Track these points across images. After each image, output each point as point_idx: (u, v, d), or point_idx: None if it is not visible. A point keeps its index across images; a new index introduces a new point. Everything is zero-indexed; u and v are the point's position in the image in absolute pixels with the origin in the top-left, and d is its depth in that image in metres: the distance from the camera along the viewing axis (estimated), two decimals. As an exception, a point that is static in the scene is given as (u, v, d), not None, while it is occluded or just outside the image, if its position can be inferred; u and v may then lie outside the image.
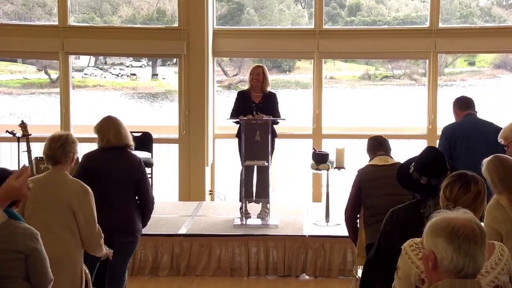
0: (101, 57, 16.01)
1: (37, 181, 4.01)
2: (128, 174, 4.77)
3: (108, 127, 4.79)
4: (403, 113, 14.73)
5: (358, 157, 9.41)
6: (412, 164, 3.56)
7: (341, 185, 8.80)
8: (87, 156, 4.84)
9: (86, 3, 12.38)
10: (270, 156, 6.76)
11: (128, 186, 4.76)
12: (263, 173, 6.86)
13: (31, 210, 3.96)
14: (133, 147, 4.95)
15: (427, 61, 8.40)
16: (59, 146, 4.05)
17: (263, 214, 6.90)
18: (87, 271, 4.22)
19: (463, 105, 5.78)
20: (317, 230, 6.74)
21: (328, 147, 7.78)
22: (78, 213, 3.99)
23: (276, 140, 7.06)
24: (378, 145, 5.11)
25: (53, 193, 4.00)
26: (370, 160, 5.06)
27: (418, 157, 3.59)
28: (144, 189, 4.83)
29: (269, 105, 6.83)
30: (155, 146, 7.99)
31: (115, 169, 4.73)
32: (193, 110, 8.14)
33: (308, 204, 7.97)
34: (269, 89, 6.95)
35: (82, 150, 8.77)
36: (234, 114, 6.85)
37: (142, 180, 4.82)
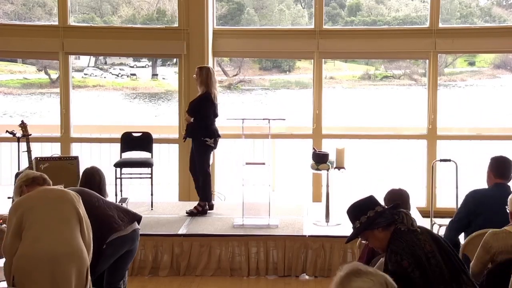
0: (101, 57, 16.00)
1: (32, 193, 4.07)
2: None
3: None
4: (403, 113, 14.72)
5: (358, 157, 9.46)
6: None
7: (341, 185, 8.82)
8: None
9: (86, 3, 12.38)
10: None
11: None
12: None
13: (35, 216, 3.96)
14: None
15: (427, 61, 8.40)
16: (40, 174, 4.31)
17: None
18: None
19: (499, 171, 5.15)
20: (317, 230, 6.74)
21: (328, 147, 7.79)
22: (79, 212, 4.03)
23: (276, 140, 7.11)
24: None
25: (50, 195, 4.06)
26: None
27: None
28: None
29: None
30: (155, 146, 7.99)
31: None
32: (193, 110, 8.12)
33: (308, 204, 7.97)
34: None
35: (82, 150, 8.84)
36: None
37: None
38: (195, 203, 7.51)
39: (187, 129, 7.23)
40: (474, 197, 5.11)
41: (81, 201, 4.12)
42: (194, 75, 7.26)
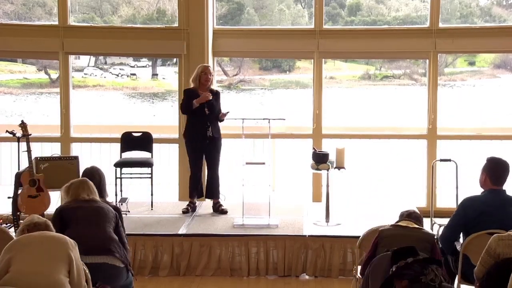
0: (101, 57, 16.00)
1: (26, 236, 4.06)
2: None
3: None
4: (403, 113, 14.71)
5: (358, 157, 9.46)
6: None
7: (341, 185, 8.83)
8: None
9: (86, 3, 12.37)
10: None
11: None
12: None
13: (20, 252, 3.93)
14: None
15: (427, 61, 8.40)
16: (43, 216, 4.33)
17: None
18: (87, 271, 4.22)
19: (496, 178, 4.95)
20: (317, 230, 6.74)
21: (328, 147, 7.79)
22: (71, 256, 3.98)
23: (276, 140, 7.14)
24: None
25: (47, 238, 4.04)
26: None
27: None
28: None
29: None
30: (155, 146, 7.99)
31: None
32: (193, 110, 8.13)
33: (308, 204, 7.97)
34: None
35: (82, 150, 8.84)
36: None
37: None
38: (196, 203, 7.53)
39: (212, 128, 7.22)
40: (471, 206, 4.92)
41: (77, 248, 4.07)
42: (210, 77, 7.29)
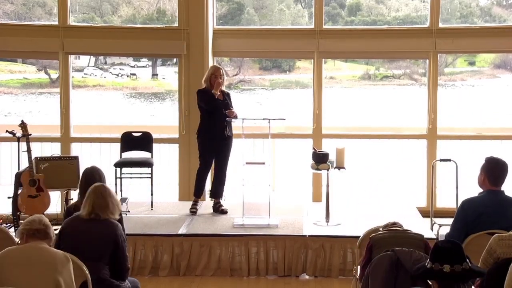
0: (101, 57, 16.00)
1: (16, 249, 3.93)
2: None
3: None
4: (403, 113, 14.72)
5: (358, 157, 9.46)
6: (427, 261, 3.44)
7: (341, 185, 8.83)
8: None
9: (86, 3, 12.37)
10: None
11: None
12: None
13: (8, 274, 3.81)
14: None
15: (427, 61, 8.40)
16: (43, 221, 4.04)
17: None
18: (87, 272, 4.22)
19: (494, 179, 4.91)
20: (317, 230, 6.74)
21: (328, 147, 7.79)
22: (58, 280, 3.84)
23: (276, 140, 7.13)
24: None
25: (35, 258, 3.89)
26: None
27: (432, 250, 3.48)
28: None
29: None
30: (155, 146, 7.99)
31: None
32: (193, 110, 8.13)
33: (308, 204, 7.97)
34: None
35: (82, 150, 8.85)
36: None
37: None
38: (195, 203, 7.53)
39: (229, 127, 7.25)
40: (470, 208, 4.90)
41: (70, 264, 3.92)
42: (221, 79, 7.23)
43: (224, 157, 7.34)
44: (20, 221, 6.61)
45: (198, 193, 7.49)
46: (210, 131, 7.21)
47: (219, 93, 7.21)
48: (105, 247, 4.52)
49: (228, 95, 7.42)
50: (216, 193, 7.46)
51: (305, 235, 6.54)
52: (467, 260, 3.33)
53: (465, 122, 14.12)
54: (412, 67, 15.78)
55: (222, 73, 7.30)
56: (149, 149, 7.87)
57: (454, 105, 14.52)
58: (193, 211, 7.36)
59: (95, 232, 4.52)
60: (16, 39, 8.44)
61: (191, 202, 7.61)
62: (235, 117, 7.14)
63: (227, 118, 7.05)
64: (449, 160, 7.16)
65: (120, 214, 4.89)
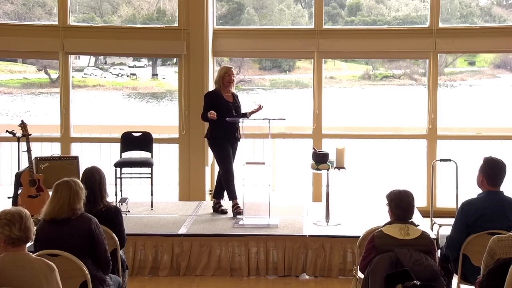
0: (101, 57, 16.02)
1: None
2: None
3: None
4: (403, 113, 14.73)
5: (358, 157, 9.47)
6: None
7: (341, 185, 8.83)
8: None
9: (86, 3, 12.38)
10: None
11: None
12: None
13: None
14: None
15: (427, 61, 8.40)
16: (23, 226, 3.73)
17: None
18: (87, 272, 4.22)
19: (493, 179, 4.91)
20: (317, 230, 6.73)
21: (328, 147, 7.79)
22: None
23: (276, 140, 7.12)
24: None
25: (16, 276, 3.65)
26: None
27: None
28: None
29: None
30: (155, 146, 7.99)
31: None
32: (193, 110, 8.13)
33: (308, 204, 7.96)
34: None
35: (82, 150, 8.85)
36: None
37: None
38: (195, 203, 7.52)
39: (238, 129, 7.23)
40: (470, 210, 4.89)
41: (55, 274, 3.73)
42: (233, 78, 7.23)
43: (233, 158, 7.32)
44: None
45: (233, 196, 7.32)
46: (224, 133, 7.15)
47: (230, 94, 7.18)
48: (82, 242, 4.44)
49: (237, 96, 7.38)
50: (220, 194, 7.42)
51: (305, 235, 6.53)
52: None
53: (465, 122, 14.13)
54: (412, 67, 15.80)
55: (233, 72, 7.29)
56: (149, 149, 7.86)
57: (454, 105, 14.53)
58: (225, 210, 7.29)
59: (66, 231, 4.43)
60: (16, 39, 8.44)
61: (191, 202, 7.60)
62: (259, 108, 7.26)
63: (227, 119, 7.04)
64: (449, 160, 7.16)
65: (118, 210, 4.89)
